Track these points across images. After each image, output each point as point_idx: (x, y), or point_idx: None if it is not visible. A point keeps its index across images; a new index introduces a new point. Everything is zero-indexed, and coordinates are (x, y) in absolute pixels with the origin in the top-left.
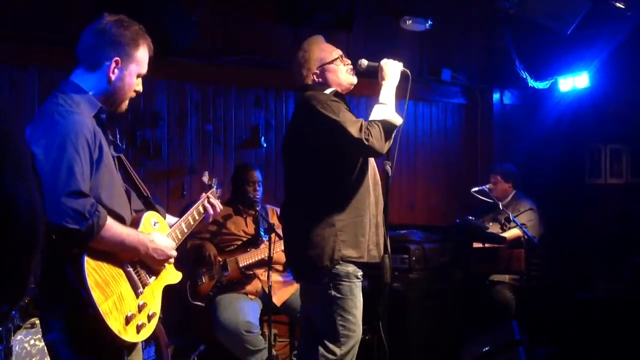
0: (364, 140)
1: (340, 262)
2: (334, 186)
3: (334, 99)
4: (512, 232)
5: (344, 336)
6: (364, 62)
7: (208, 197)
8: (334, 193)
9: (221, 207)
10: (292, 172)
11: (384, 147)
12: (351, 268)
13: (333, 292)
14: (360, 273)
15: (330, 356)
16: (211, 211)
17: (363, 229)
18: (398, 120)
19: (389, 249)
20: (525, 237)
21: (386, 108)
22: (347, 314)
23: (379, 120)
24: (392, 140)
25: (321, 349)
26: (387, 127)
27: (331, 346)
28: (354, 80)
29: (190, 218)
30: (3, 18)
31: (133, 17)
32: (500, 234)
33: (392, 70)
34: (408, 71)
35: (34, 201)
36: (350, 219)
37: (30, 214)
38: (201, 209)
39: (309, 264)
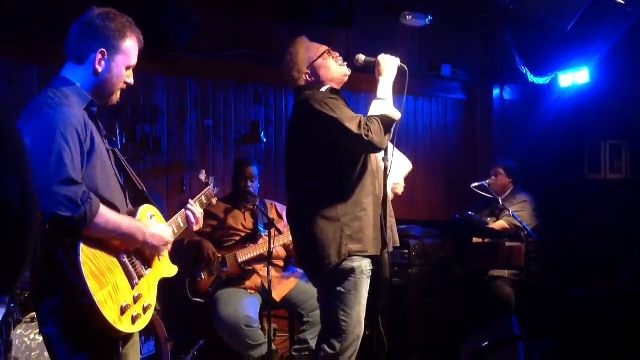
0: (364, 136)
1: (348, 257)
2: (337, 182)
3: (332, 96)
4: (499, 223)
5: (345, 331)
6: (362, 58)
7: (187, 209)
8: (337, 189)
9: (200, 218)
10: (295, 172)
11: (384, 141)
12: (357, 263)
13: (338, 287)
14: (369, 268)
15: (330, 351)
16: (193, 220)
17: (367, 222)
18: (397, 114)
19: (390, 244)
20: (515, 227)
21: (384, 103)
22: (349, 309)
23: (377, 116)
24: (391, 135)
25: (322, 344)
26: (386, 122)
27: (332, 341)
28: (346, 70)
29: (174, 225)
30: (2, 15)
31: (132, 12)
32: (489, 226)
33: (389, 65)
34: (405, 66)
35: (27, 192)
36: (355, 214)
37: (23, 205)
38: (184, 219)
39: (318, 261)
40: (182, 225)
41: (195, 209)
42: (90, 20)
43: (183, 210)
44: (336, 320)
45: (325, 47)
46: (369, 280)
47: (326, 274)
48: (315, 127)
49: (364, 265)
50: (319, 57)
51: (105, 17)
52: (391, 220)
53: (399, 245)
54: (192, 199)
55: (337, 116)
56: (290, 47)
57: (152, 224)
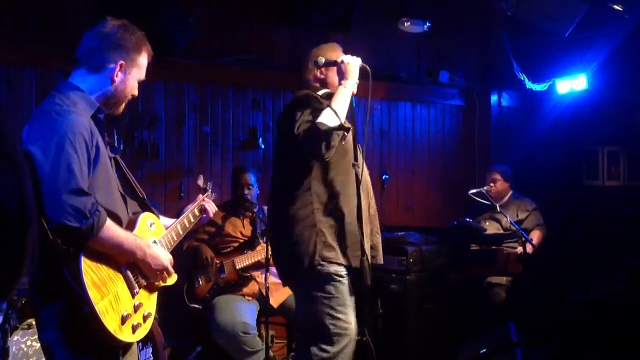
0: (301, 139)
1: (321, 262)
2: (315, 187)
3: (318, 99)
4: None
5: (336, 334)
6: (321, 60)
7: (203, 200)
8: (315, 193)
9: (215, 209)
10: (277, 172)
11: (319, 150)
12: (332, 268)
13: (319, 293)
14: (343, 272)
15: (323, 355)
16: (211, 213)
17: (344, 231)
18: (333, 122)
19: (379, 260)
20: (523, 239)
21: (327, 111)
22: (336, 312)
23: (317, 122)
24: (331, 144)
25: (314, 349)
26: (324, 132)
27: (324, 345)
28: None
29: (185, 220)
30: (1, 17)
31: (130, 17)
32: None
33: (351, 67)
34: (367, 67)
35: (24, 194)
36: (332, 221)
37: (20, 207)
38: (196, 211)
39: (291, 265)
40: (192, 219)
41: (210, 204)
42: (109, 30)
43: (194, 205)
44: (323, 325)
45: None
46: (347, 283)
47: (302, 279)
48: (286, 126)
49: (340, 270)
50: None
51: (125, 30)
52: (377, 237)
53: (382, 262)
54: (189, 206)
55: (297, 115)
56: (322, 44)
57: (154, 245)
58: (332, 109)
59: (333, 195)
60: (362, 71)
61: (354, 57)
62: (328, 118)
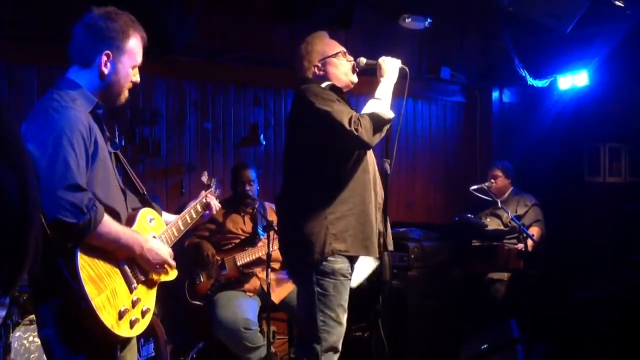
0: (354, 131)
1: (331, 255)
2: (327, 178)
3: (328, 91)
4: (534, 231)
5: (324, 332)
6: (363, 60)
7: (206, 196)
8: (326, 185)
9: (219, 206)
10: (288, 164)
11: (372, 139)
12: (338, 265)
13: (316, 288)
14: (349, 272)
15: (311, 351)
16: (214, 210)
17: (354, 222)
18: (388, 114)
19: (388, 247)
20: (524, 235)
21: (379, 102)
22: (329, 311)
23: (369, 113)
24: (382, 134)
25: (303, 349)
26: (377, 120)
27: (312, 343)
28: (354, 78)
29: (187, 216)
30: (1, 16)
31: (132, 15)
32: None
33: (390, 67)
34: (406, 68)
35: (28, 192)
36: (342, 212)
37: (23, 205)
38: (199, 207)
39: (300, 256)
40: (194, 216)
41: (213, 201)
42: (92, 21)
43: (196, 202)
44: (315, 322)
45: (342, 48)
46: (349, 283)
47: (306, 272)
48: (307, 119)
49: (345, 268)
50: (334, 54)
51: (107, 18)
52: (387, 225)
53: (392, 249)
54: (191, 202)
55: (328, 109)
56: (308, 38)
57: (153, 240)
58: (383, 102)
59: (344, 187)
60: (401, 72)
61: (394, 59)
62: (385, 110)
